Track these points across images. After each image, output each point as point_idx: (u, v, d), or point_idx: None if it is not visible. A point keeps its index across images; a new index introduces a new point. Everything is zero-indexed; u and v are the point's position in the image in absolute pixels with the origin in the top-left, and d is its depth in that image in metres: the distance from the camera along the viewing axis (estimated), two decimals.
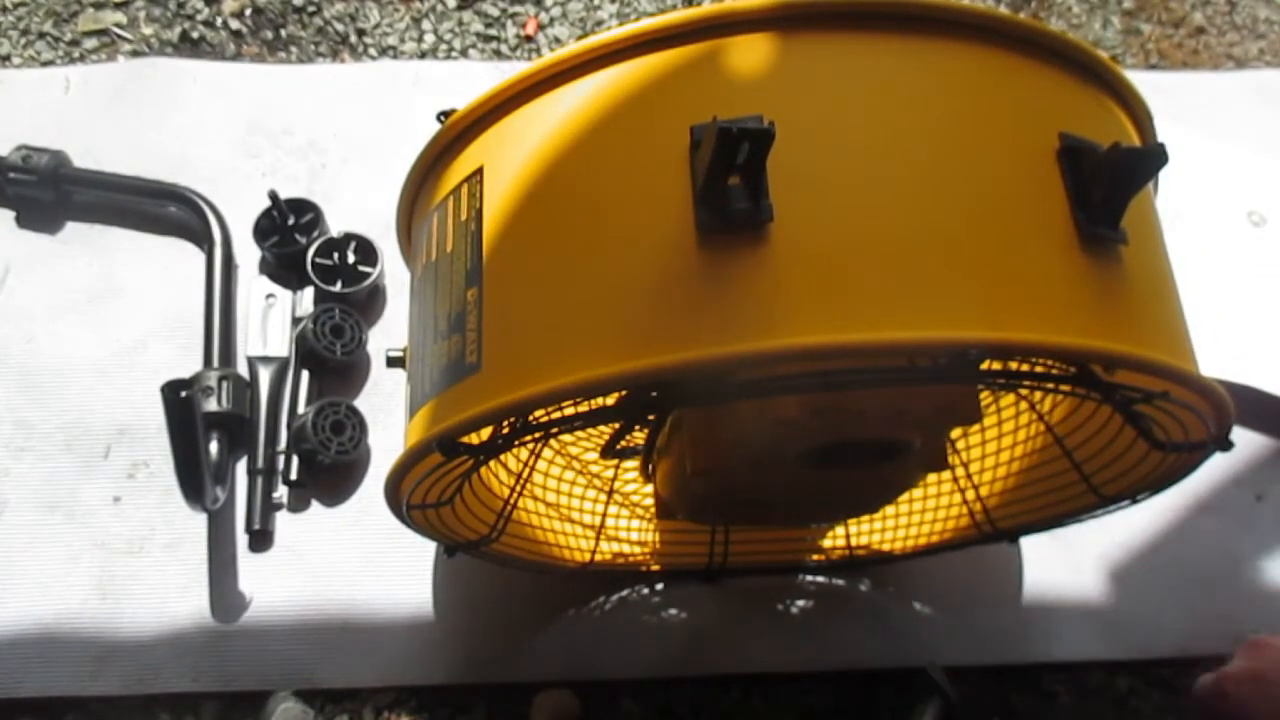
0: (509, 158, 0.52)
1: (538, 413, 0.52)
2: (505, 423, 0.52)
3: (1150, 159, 0.46)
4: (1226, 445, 0.54)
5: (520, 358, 0.48)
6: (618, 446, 0.67)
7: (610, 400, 0.55)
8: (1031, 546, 0.82)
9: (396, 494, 0.59)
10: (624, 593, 0.79)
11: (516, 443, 0.53)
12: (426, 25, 1.01)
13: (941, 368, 0.47)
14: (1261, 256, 0.95)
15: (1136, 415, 0.54)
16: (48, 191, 0.87)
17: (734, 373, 0.47)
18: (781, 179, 0.44)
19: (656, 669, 0.76)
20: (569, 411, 0.52)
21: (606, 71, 0.50)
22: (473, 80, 0.96)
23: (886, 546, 0.77)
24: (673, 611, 0.78)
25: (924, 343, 0.44)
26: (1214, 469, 0.85)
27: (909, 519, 0.76)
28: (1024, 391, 0.68)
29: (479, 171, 0.54)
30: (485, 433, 0.53)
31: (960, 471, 0.73)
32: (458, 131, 0.56)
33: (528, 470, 0.69)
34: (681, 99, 0.46)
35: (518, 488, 0.68)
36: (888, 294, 0.43)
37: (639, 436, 0.67)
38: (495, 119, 0.54)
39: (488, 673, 0.75)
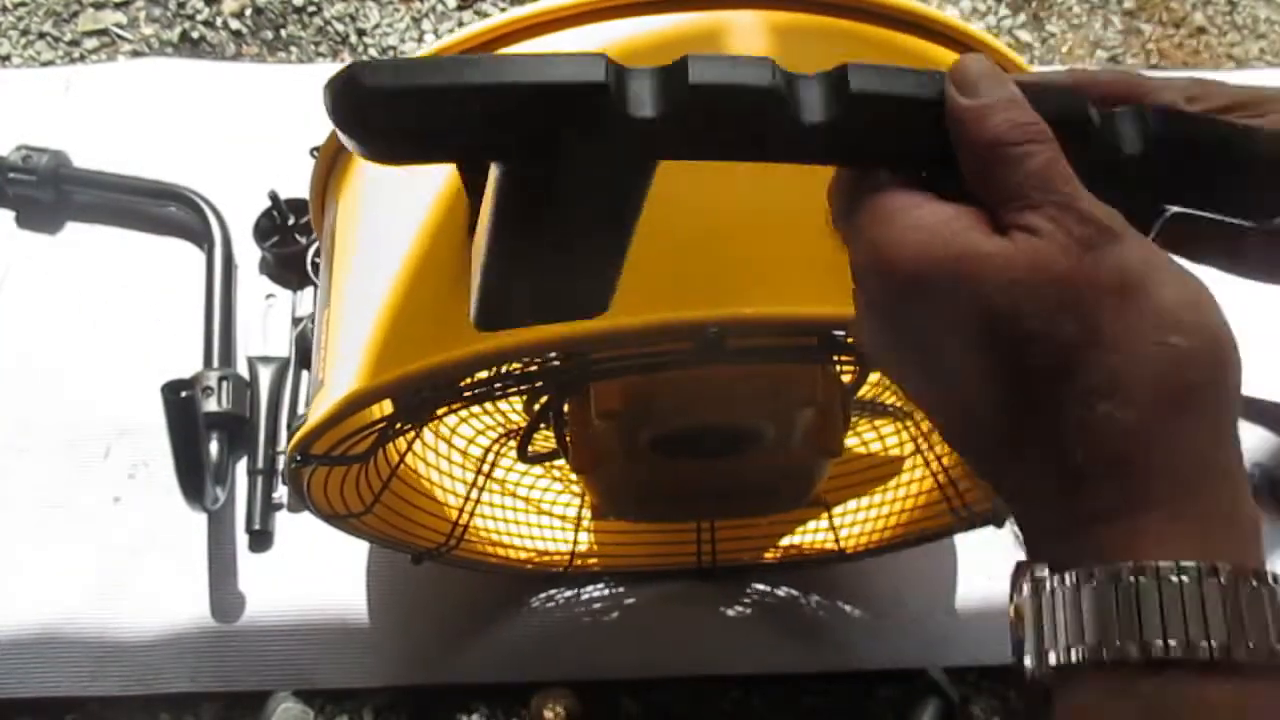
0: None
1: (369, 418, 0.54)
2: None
3: None
4: None
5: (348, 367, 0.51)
6: (530, 451, 0.67)
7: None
8: None
9: (313, 502, 0.61)
10: (623, 592, 0.79)
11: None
12: (426, 25, 1.01)
13: (698, 349, 0.46)
14: None
15: None
16: (48, 191, 0.87)
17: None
18: None
19: (656, 669, 0.76)
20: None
21: None
22: None
23: (877, 538, 0.76)
24: (672, 611, 0.78)
25: (672, 324, 0.45)
26: None
27: (888, 507, 0.75)
28: None
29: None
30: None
31: (930, 455, 0.71)
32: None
33: (483, 477, 0.71)
34: None
35: (474, 494, 0.70)
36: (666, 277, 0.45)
37: (549, 441, 0.67)
38: None
39: (487, 673, 0.75)
